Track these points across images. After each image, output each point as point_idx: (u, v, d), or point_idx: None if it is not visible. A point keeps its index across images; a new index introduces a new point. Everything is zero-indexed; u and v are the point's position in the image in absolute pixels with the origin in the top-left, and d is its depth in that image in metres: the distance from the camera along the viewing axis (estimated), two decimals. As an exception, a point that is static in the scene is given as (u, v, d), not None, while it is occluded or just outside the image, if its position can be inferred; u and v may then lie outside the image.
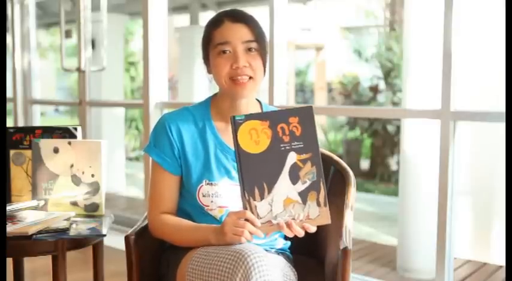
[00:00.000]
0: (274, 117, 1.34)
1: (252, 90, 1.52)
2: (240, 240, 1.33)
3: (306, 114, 1.35)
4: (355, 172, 7.73)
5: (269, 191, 1.33)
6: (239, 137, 1.32)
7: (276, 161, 1.33)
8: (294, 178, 1.33)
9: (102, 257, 1.86)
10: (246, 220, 1.32)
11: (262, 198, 1.32)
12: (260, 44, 1.50)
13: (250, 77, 1.50)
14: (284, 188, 1.33)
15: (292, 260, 1.66)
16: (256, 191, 1.32)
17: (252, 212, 1.32)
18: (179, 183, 1.58)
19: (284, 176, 1.33)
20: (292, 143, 1.33)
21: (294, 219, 1.33)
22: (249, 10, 1.57)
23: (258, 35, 1.50)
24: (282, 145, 1.33)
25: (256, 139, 1.32)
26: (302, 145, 1.34)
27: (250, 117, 1.33)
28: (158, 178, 1.57)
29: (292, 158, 1.34)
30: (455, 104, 2.47)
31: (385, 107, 7.00)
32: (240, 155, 1.32)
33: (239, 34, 1.48)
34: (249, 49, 1.49)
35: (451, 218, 2.49)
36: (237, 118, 1.33)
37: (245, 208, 1.32)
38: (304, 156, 1.34)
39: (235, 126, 1.32)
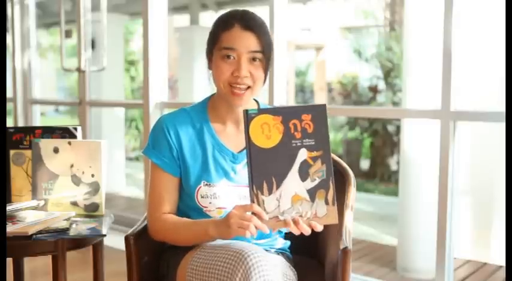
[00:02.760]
0: (287, 113, 1.33)
1: (249, 99, 1.52)
2: (244, 233, 1.30)
3: (319, 112, 1.34)
4: (355, 172, 7.74)
5: (278, 187, 1.32)
6: (251, 130, 1.31)
7: (286, 157, 1.32)
8: (304, 175, 1.33)
9: (102, 257, 1.86)
10: (253, 213, 1.31)
11: (270, 193, 1.31)
12: (265, 54, 1.49)
13: (249, 87, 1.49)
14: (293, 184, 1.32)
15: (292, 260, 1.66)
16: (265, 186, 1.31)
17: (259, 207, 1.31)
18: (178, 184, 1.57)
19: (293, 173, 1.32)
20: (304, 140, 1.33)
21: (301, 216, 1.33)
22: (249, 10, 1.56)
23: (265, 46, 1.48)
24: (293, 141, 1.32)
25: (267, 134, 1.32)
26: (313, 143, 1.33)
27: (263, 111, 1.33)
28: (157, 179, 1.56)
29: (302, 155, 1.33)
30: (455, 104, 2.48)
31: (385, 107, 7.00)
32: (250, 148, 1.31)
33: (247, 43, 1.46)
34: (253, 59, 1.48)
35: (451, 218, 2.49)
36: (249, 111, 1.31)
37: (252, 201, 1.31)
38: (315, 153, 1.33)
39: (248, 119, 1.31)
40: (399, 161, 4.54)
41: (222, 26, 1.50)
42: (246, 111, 1.31)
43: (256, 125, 1.31)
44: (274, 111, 1.34)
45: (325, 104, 1.36)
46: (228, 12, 1.54)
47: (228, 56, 1.47)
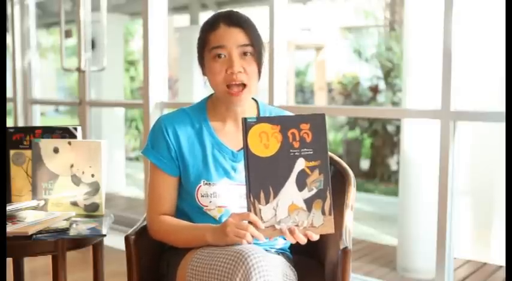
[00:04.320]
0: (285, 122, 1.33)
1: (247, 98, 1.52)
2: (240, 242, 1.32)
3: (317, 122, 1.34)
4: (355, 172, 7.73)
5: (275, 196, 1.32)
6: (249, 139, 1.31)
7: (284, 166, 1.32)
8: (301, 184, 1.33)
9: (102, 257, 1.86)
10: (249, 222, 1.32)
11: (267, 202, 1.32)
12: (255, 48, 1.49)
13: (244, 85, 1.49)
14: (290, 194, 1.32)
15: (292, 260, 1.66)
16: (262, 195, 1.32)
17: (256, 215, 1.32)
18: (177, 184, 1.58)
19: (291, 182, 1.32)
20: (302, 150, 1.33)
21: (297, 226, 1.33)
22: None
23: (254, 39, 1.49)
24: (291, 151, 1.32)
25: (266, 143, 1.32)
26: (311, 152, 1.33)
27: (261, 120, 1.33)
28: (156, 179, 1.56)
29: (300, 164, 1.33)
30: (455, 104, 2.48)
31: (385, 107, 7.00)
32: (248, 157, 1.31)
33: (234, 38, 1.47)
34: (244, 53, 1.48)
35: (451, 218, 2.49)
36: (248, 120, 1.32)
37: (249, 210, 1.32)
38: (312, 163, 1.33)
39: (246, 127, 1.31)
40: (399, 161, 4.54)
41: (208, 28, 1.51)
42: (244, 120, 1.32)
43: (254, 133, 1.32)
44: (273, 120, 1.34)
45: (323, 114, 1.36)
46: (211, 16, 1.55)
47: (219, 56, 1.48)
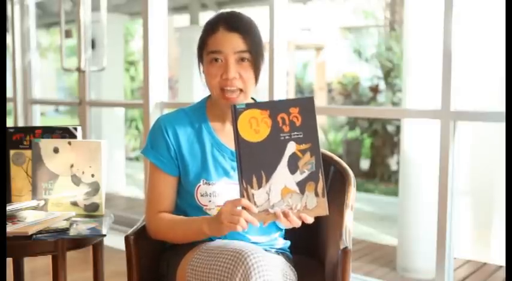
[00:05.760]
0: (274, 107, 1.34)
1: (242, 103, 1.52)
2: (235, 228, 1.31)
3: (306, 105, 1.34)
4: (355, 172, 7.73)
5: (267, 180, 1.32)
6: (239, 125, 1.32)
7: (275, 150, 1.33)
8: (293, 167, 1.33)
9: (102, 257, 1.86)
10: (243, 207, 1.32)
11: (259, 186, 1.32)
12: (253, 54, 1.48)
13: (241, 90, 1.49)
14: (282, 177, 1.33)
15: (292, 260, 1.66)
16: (254, 180, 1.32)
17: (249, 201, 1.31)
18: (177, 184, 1.58)
19: (283, 166, 1.33)
20: (292, 133, 1.33)
21: (291, 209, 1.33)
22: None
23: (252, 45, 1.48)
24: (281, 135, 1.33)
25: (256, 128, 1.32)
26: (302, 135, 1.33)
27: (250, 106, 1.33)
28: (156, 179, 1.57)
29: (291, 148, 1.33)
30: (455, 104, 2.48)
31: (385, 107, 7.00)
32: (239, 143, 1.32)
33: (232, 44, 1.47)
34: (242, 59, 1.48)
35: (451, 218, 2.49)
36: (237, 106, 1.32)
37: (242, 195, 1.32)
38: (303, 146, 1.34)
39: (236, 114, 1.32)
40: (399, 161, 4.54)
41: (208, 30, 1.51)
42: (233, 107, 1.32)
43: (244, 119, 1.32)
44: (262, 105, 1.34)
45: (312, 97, 1.37)
46: (214, 15, 1.54)
47: (216, 60, 1.48)
